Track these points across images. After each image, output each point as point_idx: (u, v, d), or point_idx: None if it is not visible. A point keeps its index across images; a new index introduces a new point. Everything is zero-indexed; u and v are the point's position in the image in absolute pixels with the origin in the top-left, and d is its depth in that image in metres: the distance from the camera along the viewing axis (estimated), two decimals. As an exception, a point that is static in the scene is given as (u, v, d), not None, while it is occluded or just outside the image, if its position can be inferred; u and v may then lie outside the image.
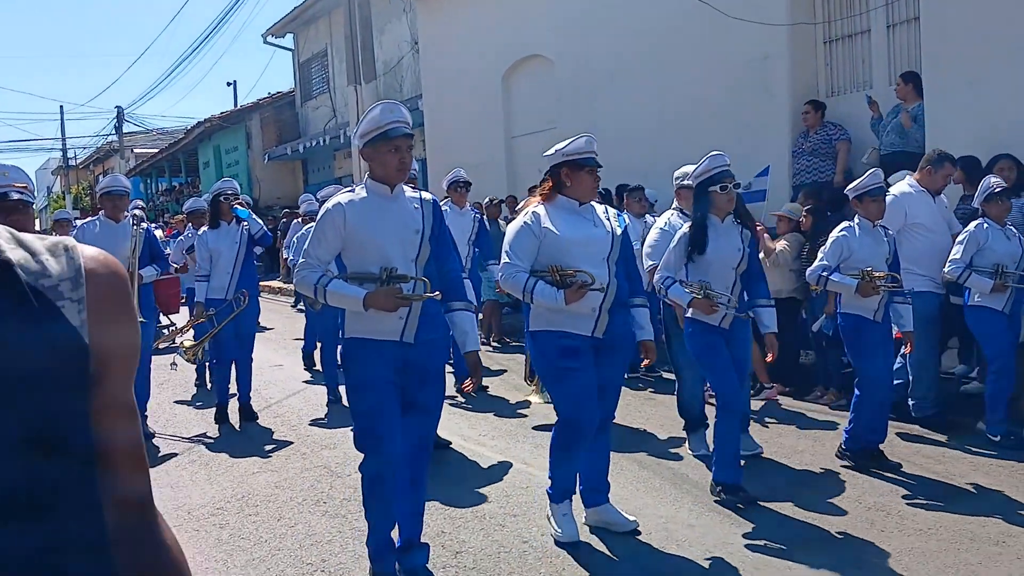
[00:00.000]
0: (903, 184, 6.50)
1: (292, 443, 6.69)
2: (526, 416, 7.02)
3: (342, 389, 7.42)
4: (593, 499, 4.59)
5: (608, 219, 4.41)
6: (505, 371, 8.91)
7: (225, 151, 25.88)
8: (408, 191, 3.90)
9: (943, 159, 6.40)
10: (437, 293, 3.76)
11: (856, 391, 5.48)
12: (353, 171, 16.49)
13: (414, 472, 3.89)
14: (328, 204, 3.82)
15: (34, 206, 3.32)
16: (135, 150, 36.87)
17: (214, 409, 7.43)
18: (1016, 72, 7.26)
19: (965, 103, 7.54)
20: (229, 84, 57.34)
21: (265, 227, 7.49)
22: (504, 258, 4.34)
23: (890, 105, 8.19)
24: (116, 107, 36.66)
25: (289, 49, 24.52)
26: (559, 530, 4.41)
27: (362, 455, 3.88)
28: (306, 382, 9.08)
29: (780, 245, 7.45)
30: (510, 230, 4.41)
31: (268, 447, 6.65)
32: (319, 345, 9.02)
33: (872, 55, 8.92)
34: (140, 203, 13.69)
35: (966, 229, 5.93)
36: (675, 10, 10.07)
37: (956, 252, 5.90)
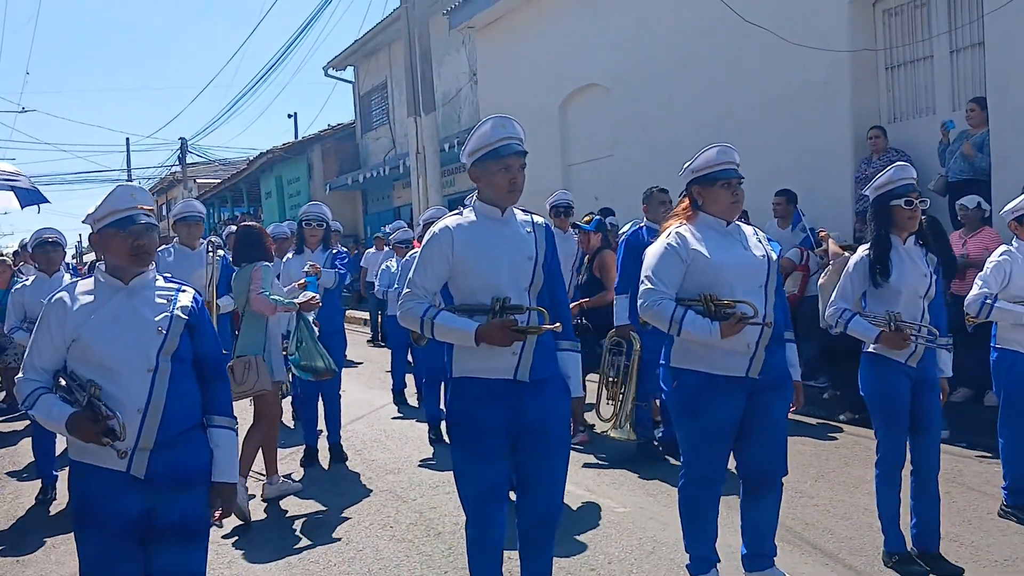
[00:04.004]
0: None
1: (357, 468, 6.78)
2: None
3: (443, 427, 7.41)
4: (756, 564, 3.99)
5: (760, 242, 3.89)
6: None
7: (287, 181, 26.38)
8: (519, 214, 3.52)
9: None
10: (557, 325, 3.34)
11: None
12: (412, 200, 16.73)
13: (538, 544, 3.50)
14: (434, 228, 3.43)
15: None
16: (198, 180, 37.56)
17: (302, 449, 7.04)
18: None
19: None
20: (290, 116, 58.50)
21: (337, 275, 6.97)
22: (645, 284, 3.78)
23: (955, 131, 8.12)
24: (180, 138, 37.64)
25: (349, 81, 24.99)
26: None
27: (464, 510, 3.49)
28: (390, 411, 9.07)
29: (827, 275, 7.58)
30: (651, 253, 3.85)
31: (333, 471, 6.75)
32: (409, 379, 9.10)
33: (935, 81, 8.83)
34: (233, 228, 13.42)
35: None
36: (734, 36, 10.08)
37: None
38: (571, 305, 6.14)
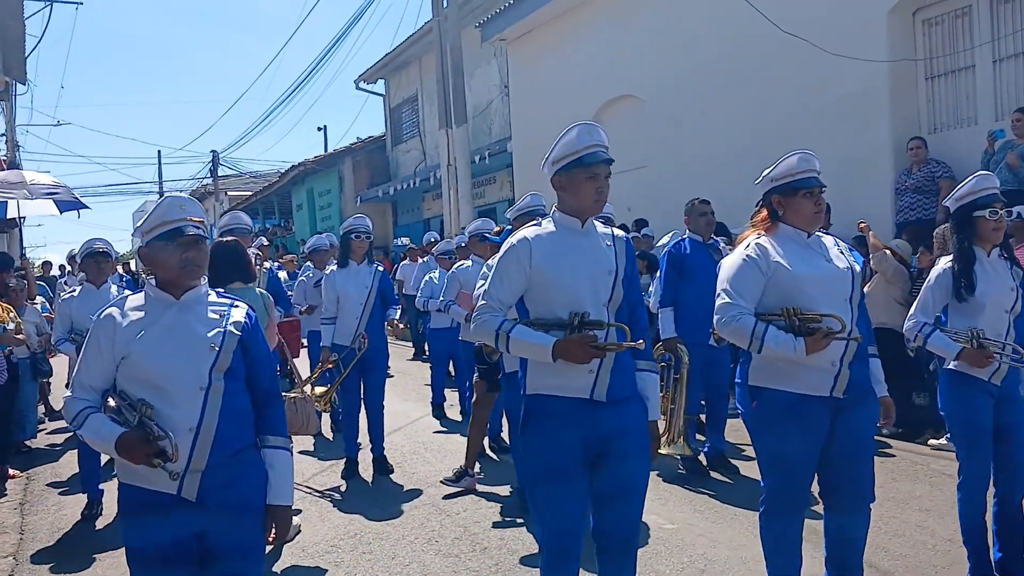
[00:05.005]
0: None
1: (398, 481, 6.77)
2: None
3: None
4: None
5: (843, 252, 3.64)
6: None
7: (318, 194, 26.55)
8: (599, 226, 3.39)
9: None
10: (640, 342, 3.22)
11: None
12: (443, 212, 16.77)
13: (617, 560, 3.36)
14: (512, 239, 3.35)
15: (209, 241, 3.01)
16: (229, 193, 37.72)
17: (343, 461, 7.00)
18: None
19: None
20: (320, 129, 58.90)
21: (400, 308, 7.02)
22: (723, 298, 3.54)
23: (998, 141, 8.02)
24: (212, 151, 37.90)
25: (380, 94, 25.10)
26: None
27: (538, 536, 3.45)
28: (428, 424, 9.01)
29: (876, 280, 7.55)
30: (728, 265, 3.64)
31: (375, 484, 6.74)
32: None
33: (977, 91, 8.74)
34: (265, 241, 13.35)
35: None
36: (770, 46, 10.02)
37: None
38: None
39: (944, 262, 4.24)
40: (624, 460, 3.25)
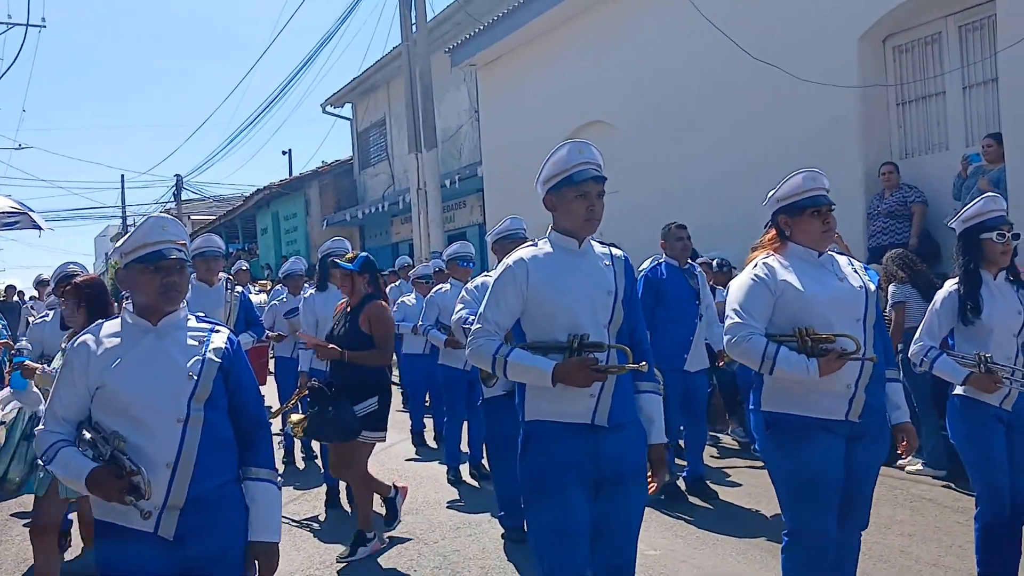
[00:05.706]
0: None
1: (373, 509, 6.59)
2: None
3: (463, 468, 7.34)
4: None
5: (856, 272, 3.55)
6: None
7: (284, 217, 26.37)
8: (596, 246, 3.30)
9: None
10: (643, 364, 3.10)
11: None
12: (413, 236, 16.68)
13: None
14: (508, 260, 3.23)
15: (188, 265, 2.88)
16: (192, 217, 37.39)
17: (316, 490, 6.88)
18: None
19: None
20: (284, 153, 58.56)
21: None
22: (732, 318, 3.46)
23: (972, 166, 8.09)
24: (175, 175, 37.52)
25: (347, 118, 25.03)
26: None
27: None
28: (401, 451, 8.77)
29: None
30: (737, 286, 3.56)
31: (350, 513, 6.56)
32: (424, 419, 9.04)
33: (947, 117, 8.83)
34: (245, 265, 12.77)
35: None
36: (743, 73, 10.06)
37: None
38: (329, 348, 5.50)
39: (949, 285, 4.21)
40: (621, 494, 3.12)
